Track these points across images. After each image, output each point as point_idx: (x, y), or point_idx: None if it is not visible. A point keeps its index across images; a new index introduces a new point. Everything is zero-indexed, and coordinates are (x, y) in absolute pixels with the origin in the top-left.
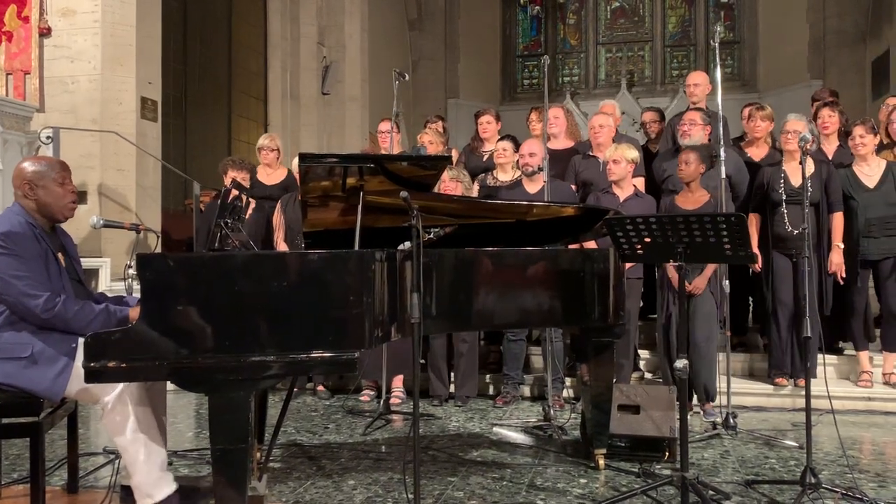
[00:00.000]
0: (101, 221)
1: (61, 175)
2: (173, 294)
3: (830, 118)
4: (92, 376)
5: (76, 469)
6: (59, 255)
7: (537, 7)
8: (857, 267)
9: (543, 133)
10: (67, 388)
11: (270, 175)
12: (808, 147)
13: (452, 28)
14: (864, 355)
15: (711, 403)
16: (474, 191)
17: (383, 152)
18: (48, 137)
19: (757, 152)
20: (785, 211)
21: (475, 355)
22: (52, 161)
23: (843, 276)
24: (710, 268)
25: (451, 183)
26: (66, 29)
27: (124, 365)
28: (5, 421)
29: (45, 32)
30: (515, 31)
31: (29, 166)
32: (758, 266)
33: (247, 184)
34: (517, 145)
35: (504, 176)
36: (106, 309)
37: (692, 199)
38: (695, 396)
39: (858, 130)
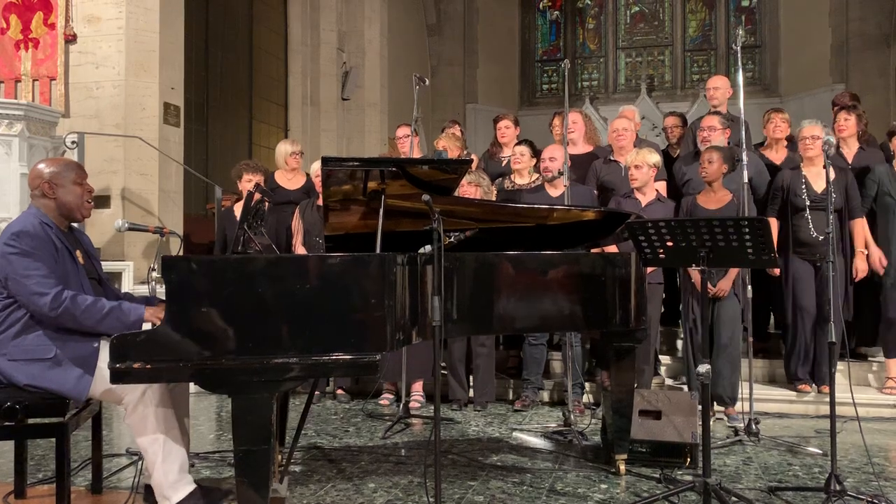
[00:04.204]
0: (126, 224)
1: (79, 175)
2: (197, 296)
3: (846, 121)
4: (117, 377)
5: (100, 469)
6: (78, 253)
7: (556, 12)
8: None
9: (564, 138)
10: (91, 389)
11: (292, 180)
12: (832, 152)
13: (471, 33)
14: (893, 363)
15: (734, 409)
16: (494, 194)
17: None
18: (73, 142)
19: (776, 155)
20: (809, 217)
21: (492, 360)
22: (68, 162)
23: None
24: (734, 270)
25: (470, 187)
26: (91, 35)
27: (148, 366)
28: (31, 421)
29: (71, 39)
30: (534, 36)
31: (46, 167)
32: (776, 271)
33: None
34: (534, 150)
35: (521, 180)
36: (119, 307)
37: (714, 199)
38: (715, 402)
39: None
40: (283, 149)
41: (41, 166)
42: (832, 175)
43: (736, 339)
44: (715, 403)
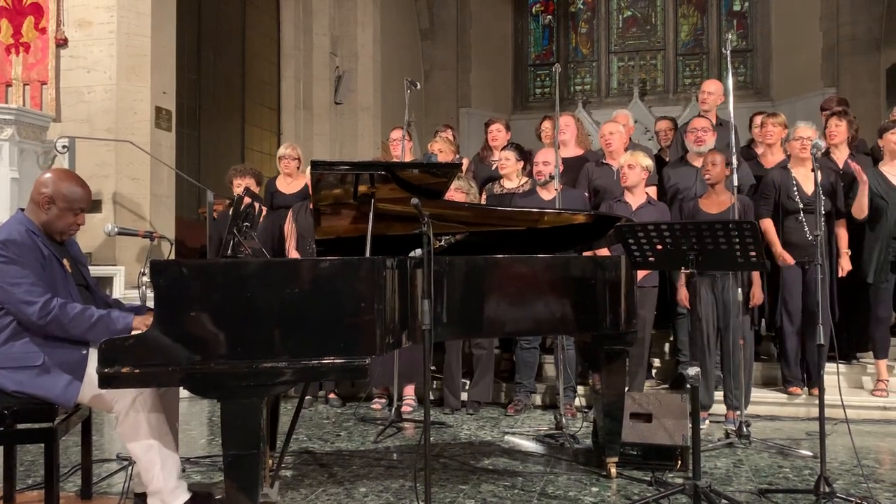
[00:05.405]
0: (116, 229)
1: (80, 207)
2: (186, 300)
3: (837, 127)
4: (105, 381)
5: (90, 475)
6: (65, 261)
7: (549, 16)
8: (886, 271)
9: (555, 142)
10: (80, 395)
11: (291, 184)
12: (820, 154)
13: (464, 38)
14: (882, 364)
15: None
16: (480, 200)
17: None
18: (64, 147)
19: (771, 160)
20: (803, 219)
21: (491, 362)
22: (78, 187)
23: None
24: (758, 276)
25: (456, 193)
26: (82, 39)
27: (138, 371)
28: (20, 427)
29: (62, 43)
30: (527, 41)
31: (54, 183)
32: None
33: (255, 189)
34: (520, 153)
35: (511, 184)
36: (108, 315)
37: (717, 202)
38: (708, 405)
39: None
40: (278, 153)
41: (50, 178)
42: (819, 177)
43: (749, 341)
44: (707, 407)
